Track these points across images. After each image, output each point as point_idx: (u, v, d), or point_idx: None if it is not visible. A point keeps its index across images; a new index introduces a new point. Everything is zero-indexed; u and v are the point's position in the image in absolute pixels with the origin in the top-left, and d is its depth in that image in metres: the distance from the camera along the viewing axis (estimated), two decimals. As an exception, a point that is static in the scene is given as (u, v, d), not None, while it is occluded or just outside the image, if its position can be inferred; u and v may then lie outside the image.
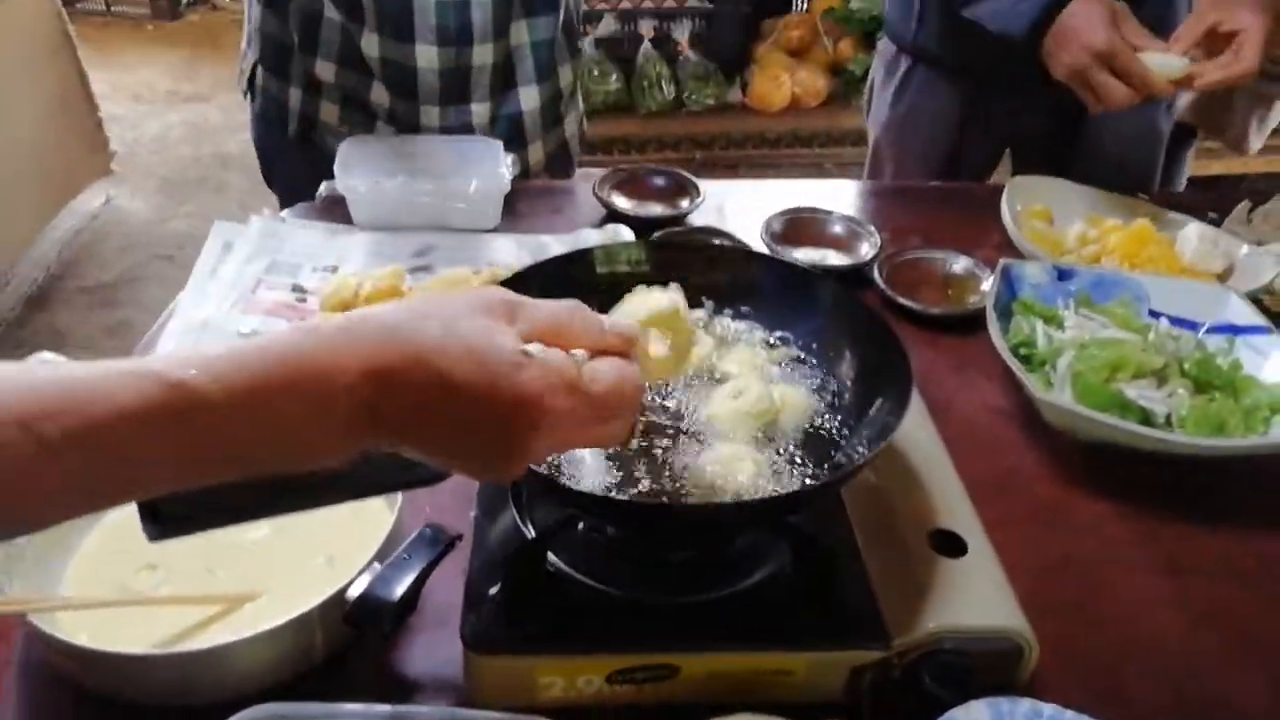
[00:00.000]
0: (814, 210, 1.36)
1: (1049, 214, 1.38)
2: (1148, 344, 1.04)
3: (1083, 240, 1.30)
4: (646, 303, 0.68)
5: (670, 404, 0.82)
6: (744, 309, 0.92)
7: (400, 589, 0.70)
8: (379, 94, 1.41)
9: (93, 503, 0.49)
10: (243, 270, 1.21)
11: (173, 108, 4.17)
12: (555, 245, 1.27)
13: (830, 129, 3.22)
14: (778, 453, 0.78)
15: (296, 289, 1.19)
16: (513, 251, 1.27)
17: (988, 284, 1.19)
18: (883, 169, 1.77)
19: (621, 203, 1.38)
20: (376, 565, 0.72)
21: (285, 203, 1.43)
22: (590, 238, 1.28)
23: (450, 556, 0.73)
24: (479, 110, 1.44)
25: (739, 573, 0.76)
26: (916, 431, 0.90)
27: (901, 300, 1.21)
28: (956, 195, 1.56)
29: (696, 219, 1.37)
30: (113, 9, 4.98)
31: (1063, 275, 1.16)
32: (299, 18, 1.39)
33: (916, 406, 0.91)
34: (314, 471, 0.53)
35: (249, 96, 1.54)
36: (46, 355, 0.96)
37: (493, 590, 0.72)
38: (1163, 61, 1.22)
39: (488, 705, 0.67)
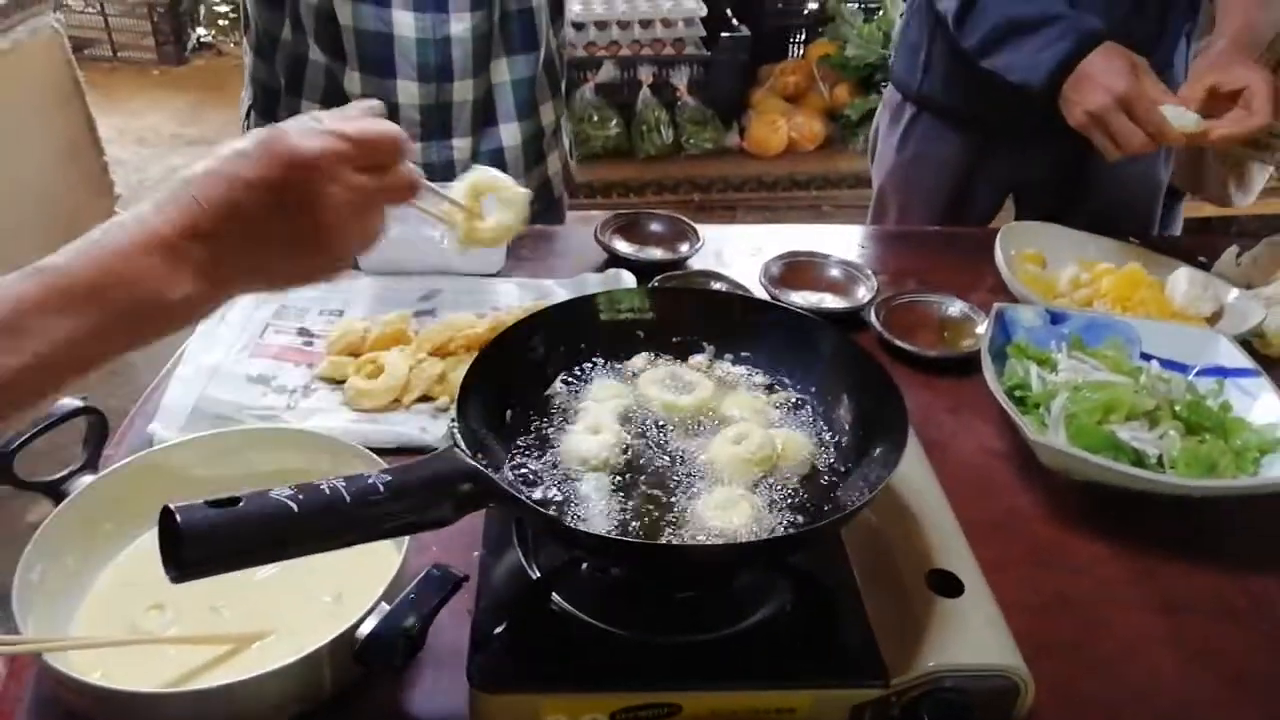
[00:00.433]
0: (811, 254, 1.39)
1: (1042, 258, 1.40)
2: (1139, 386, 1.06)
3: (1075, 284, 1.33)
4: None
5: (672, 447, 0.84)
6: (744, 353, 0.94)
7: (409, 627, 0.71)
8: None
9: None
10: (251, 315, 1.23)
11: (176, 151, 4.23)
12: (558, 289, 1.30)
13: (827, 172, 3.26)
14: (777, 494, 0.80)
15: (303, 332, 1.21)
16: (516, 295, 1.30)
17: (982, 327, 1.21)
18: (887, 214, 1.80)
19: (623, 247, 1.41)
20: (384, 604, 0.73)
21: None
22: (592, 282, 1.30)
23: (456, 596, 0.75)
24: (460, 145, 1.46)
25: (740, 613, 0.77)
26: (913, 473, 0.91)
27: (898, 343, 1.23)
28: (951, 240, 1.58)
29: (696, 263, 1.39)
30: (120, 55, 5.07)
31: (1055, 319, 1.18)
32: (286, 63, 1.43)
33: (913, 448, 0.93)
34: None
35: (246, 140, 1.58)
36: None
37: (498, 629, 0.74)
38: (1177, 115, 1.25)
39: (494, 743, 0.68)
